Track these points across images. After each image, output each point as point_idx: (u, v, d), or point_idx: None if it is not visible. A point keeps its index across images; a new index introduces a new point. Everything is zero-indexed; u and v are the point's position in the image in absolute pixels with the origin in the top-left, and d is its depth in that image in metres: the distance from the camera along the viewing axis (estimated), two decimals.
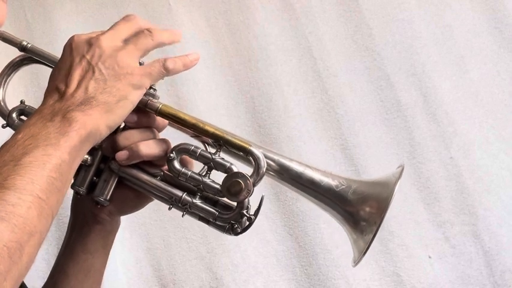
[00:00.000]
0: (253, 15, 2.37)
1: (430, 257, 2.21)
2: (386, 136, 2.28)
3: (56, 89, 1.09)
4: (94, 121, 1.06)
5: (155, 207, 2.20)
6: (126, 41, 1.16)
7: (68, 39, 1.17)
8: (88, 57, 1.11)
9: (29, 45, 1.26)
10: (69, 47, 1.14)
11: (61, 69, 1.12)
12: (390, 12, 2.34)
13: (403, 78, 2.30)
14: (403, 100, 2.28)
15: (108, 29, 1.17)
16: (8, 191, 0.92)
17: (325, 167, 2.20)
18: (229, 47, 2.37)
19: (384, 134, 2.28)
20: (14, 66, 1.30)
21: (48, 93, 1.10)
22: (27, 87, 2.30)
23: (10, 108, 1.28)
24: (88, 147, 1.07)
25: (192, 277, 2.24)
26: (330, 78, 2.31)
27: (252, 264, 2.24)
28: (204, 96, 2.32)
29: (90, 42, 1.13)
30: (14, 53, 1.30)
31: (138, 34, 1.18)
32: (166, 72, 1.16)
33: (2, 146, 1.01)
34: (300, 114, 2.30)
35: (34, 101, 2.23)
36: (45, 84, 2.25)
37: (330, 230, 2.20)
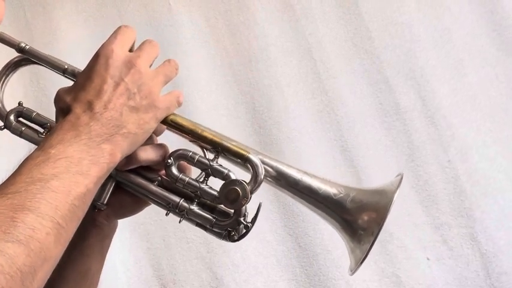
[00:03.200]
0: (253, 16, 2.37)
1: (428, 259, 2.21)
2: (386, 138, 2.28)
3: (89, 103, 1.08)
4: (121, 153, 1.09)
5: (155, 207, 2.21)
6: (156, 69, 1.18)
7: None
8: (127, 80, 1.11)
9: (27, 47, 1.25)
10: (106, 60, 1.12)
11: (94, 82, 1.10)
12: (389, 16, 2.35)
13: (402, 82, 2.30)
14: (402, 103, 2.29)
15: (140, 51, 1.16)
16: (30, 213, 0.92)
17: (324, 168, 2.22)
18: (229, 48, 2.37)
19: (383, 137, 2.28)
20: (11, 67, 1.28)
21: (78, 104, 1.09)
22: (27, 87, 2.30)
23: (8, 109, 1.27)
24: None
25: (192, 277, 2.25)
26: (330, 80, 2.32)
27: (252, 264, 2.25)
28: (204, 96, 2.33)
29: (130, 65, 1.12)
30: (13, 53, 1.29)
31: (165, 64, 1.20)
32: (178, 106, 1.20)
33: (31, 155, 1.01)
34: (300, 115, 2.31)
35: (33, 101, 2.25)
36: (45, 86, 2.27)
37: (330, 230, 2.17)
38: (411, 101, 2.29)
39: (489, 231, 2.20)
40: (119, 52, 1.13)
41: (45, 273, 0.94)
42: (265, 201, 2.18)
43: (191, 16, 2.40)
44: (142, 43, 1.19)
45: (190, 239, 2.26)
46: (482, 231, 2.20)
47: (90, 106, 1.08)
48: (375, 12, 2.35)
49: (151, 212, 2.22)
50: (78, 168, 1.00)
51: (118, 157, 1.08)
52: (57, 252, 0.96)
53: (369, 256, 2.11)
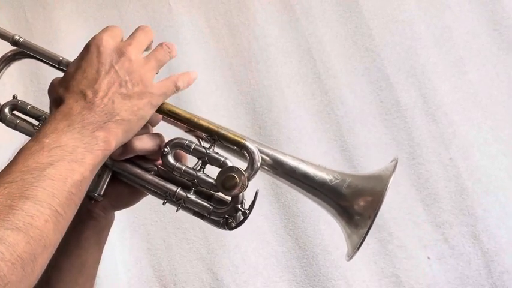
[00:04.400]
0: (253, 16, 2.37)
1: (429, 258, 2.21)
2: (386, 137, 2.28)
3: (81, 93, 1.09)
4: (116, 140, 1.08)
5: (156, 208, 2.22)
6: (147, 55, 1.18)
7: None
8: (117, 68, 1.11)
9: (21, 40, 1.25)
10: (97, 49, 1.13)
11: (85, 71, 1.11)
12: (390, 13, 2.35)
13: (403, 79, 2.30)
14: (402, 101, 2.28)
15: (131, 39, 1.17)
16: (28, 201, 0.93)
17: None
18: (230, 48, 2.37)
19: (384, 135, 2.28)
20: (5, 60, 1.28)
21: (70, 95, 1.09)
22: (27, 87, 2.30)
23: (2, 103, 1.27)
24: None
25: (192, 278, 2.24)
26: (330, 80, 2.32)
27: (252, 265, 2.24)
28: (204, 97, 2.32)
29: (120, 52, 1.13)
30: (7, 48, 1.29)
31: (157, 49, 1.20)
32: (177, 91, 1.21)
33: (25, 145, 1.01)
34: (300, 115, 2.31)
35: (34, 101, 2.24)
36: (46, 85, 2.25)
37: (330, 231, 2.20)
38: (412, 98, 2.29)
39: (491, 230, 2.20)
40: (109, 41, 1.14)
41: (45, 260, 0.94)
42: (265, 202, 2.20)
43: (191, 17, 2.40)
44: (135, 30, 1.20)
45: (191, 240, 2.26)
46: (483, 229, 2.19)
47: (82, 96, 1.08)
48: (375, 10, 2.35)
49: (152, 212, 2.24)
50: (73, 156, 1.01)
51: (113, 144, 1.08)
52: (55, 239, 0.96)
53: (368, 256, 2.11)
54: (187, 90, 2.25)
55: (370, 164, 2.26)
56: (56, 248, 0.97)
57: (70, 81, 1.11)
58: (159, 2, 2.40)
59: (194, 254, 2.26)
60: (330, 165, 2.20)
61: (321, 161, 2.20)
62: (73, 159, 1.00)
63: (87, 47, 1.14)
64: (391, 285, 2.21)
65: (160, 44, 1.21)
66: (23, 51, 1.27)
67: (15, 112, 1.27)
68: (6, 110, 1.26)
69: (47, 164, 0.97)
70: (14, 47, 1.27)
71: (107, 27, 1.18)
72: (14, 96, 1.28)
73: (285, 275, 2.25)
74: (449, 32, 2.33)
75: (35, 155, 0.98)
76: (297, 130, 2.30)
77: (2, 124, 1.28)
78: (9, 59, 1.29)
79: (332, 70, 2.33)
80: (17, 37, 1.25)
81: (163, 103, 1.20)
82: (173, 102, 2.22)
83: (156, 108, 1.16)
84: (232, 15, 2.39)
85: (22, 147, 1.01)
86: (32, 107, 1.27)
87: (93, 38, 1.15)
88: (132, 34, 1.19)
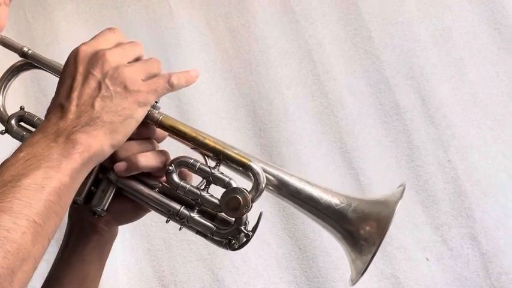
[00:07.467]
0: (253, 18, 2.37)
1: (427, 259, 2.22)
2: (385, 139, 2.28)
3: (59, 105, 1.06)
4: (99, 142, 1.04)
5: None
6: (134, 61, 1.14)
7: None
8: (94, 72, 1.07)
9: (30, 52, 1.24)
10: (74, 59, 1.09)
11: (64, 83, 1.09)
12: (389, 15, 2.35)
13: (402, 81, 2.30)
14: (401, 103, 2.29)
15: (115, 46, 1.13)
16: (3, 214, 0.90)
17: (324, 170, 2.22)
18: (230, 50, 2.37)
19: (383, 137, 2.28)
20: (13, 71, 1.28)
21: (51, 109, 1.07)
22: (28, 88, 2.30)
23: (10, 114, 1.27)
24: (91, 168, 1.06)
25: (193, 278, 2.25)
26: (330, 82, 2.32)
27: (253, 266, 2.25)
28: (205, 99, 2.32)
29: (97, 57, 1.08)
30: (15, 57, 1.29)
31: (147, 59, 1.16)
32: (171, 88, 1.15)
33: (3, 162, 0.99)
34: (299, 117, 2.31)
35: (34, 102, 2.26)
36: (46, 87, 2.27)
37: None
38: (411, 100, 2.29)
39: (489, 231, 2.21)
40: (87, 49, 1.10)
41: (25, 273, 0.92)
42: (265, 204, 2.20)
43: (191, 18, 2.40)
44: (125, 43, 1.16)
45: (191, 240, 2.26)
46: (482, 231, 2.21)
47: (60, 108, 1.06)
48: (375, 12, 2.35)
49: (153, 213, 2.23)
50: (49, 164, 0.98)
51: (93, 146, 1.03)
52: (36, 251, 0.93)
53: None
54: (188, 92, 2.28)
55: (369, 166, 2.26)
56: (38, 260, 0.95)
57: (54, 97, 1.10)
58: (159, 3, 2.39)
59: (195, 254, 2.27)
60: (329, 166, 2.24)
61: (320, 163, 2.23)
62: (49, 166, 0.98)
63: (67, 60, 1.11)
64: (390, 286, 2.22)
65: (151, 57, 1.17)
66: (30, 62, 1.26)
67: (21, 123, 1.27)
68: (13, 121, 1.26)
69: (22, 175, 0.95)
70: (22, 58, 1.26)
71: (100, 32, 1.15)
72: (21, 108, 1.27)
73: (285, 276, 2.26)
74: (449, 32, 2.33)
75: (10, 168, 0.96)
76: (297, 132, 2.30)
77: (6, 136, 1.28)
78: (17, 69, 1.28)
79: (332, 72, 2.33)
80: (25, 49, 1.24)
81: (169, 119, 1.19)
82: (174, 104, 2.25)
83: (147, 107, 1.12)
84: (233, 17, 2.39)
85: (0, 164, 1.00)
86: (39, 119, 1.26)
87: (72, 50, 1.12)
88: (120, 44, 1.14)
